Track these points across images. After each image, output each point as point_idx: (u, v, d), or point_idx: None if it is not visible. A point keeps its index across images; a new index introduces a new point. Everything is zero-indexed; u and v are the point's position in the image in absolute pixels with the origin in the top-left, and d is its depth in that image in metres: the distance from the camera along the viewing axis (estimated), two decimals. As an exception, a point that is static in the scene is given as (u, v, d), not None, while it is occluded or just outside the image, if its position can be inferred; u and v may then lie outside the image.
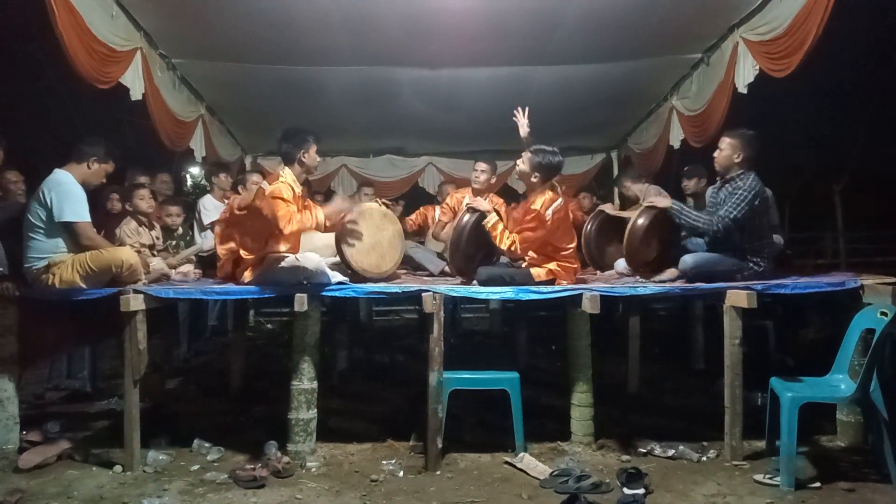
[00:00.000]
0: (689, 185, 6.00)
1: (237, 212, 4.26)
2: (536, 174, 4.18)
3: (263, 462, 3.67)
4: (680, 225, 4.38)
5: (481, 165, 5.79)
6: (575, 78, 6.32)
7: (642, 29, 5.25)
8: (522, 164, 4.23)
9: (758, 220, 4.24)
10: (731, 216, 4.10)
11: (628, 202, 6.77)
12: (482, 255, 4.50)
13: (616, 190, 9.47)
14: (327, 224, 4.15)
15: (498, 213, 4.34)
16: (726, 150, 4.26)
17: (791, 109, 11.22)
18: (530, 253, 4.24)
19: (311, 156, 4.20)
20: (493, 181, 5.97)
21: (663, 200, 4.53)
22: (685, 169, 6.12)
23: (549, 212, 4.08)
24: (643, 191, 5.53)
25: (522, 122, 4.57)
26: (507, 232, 4.20)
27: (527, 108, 4.58)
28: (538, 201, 4.14)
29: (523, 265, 4.27)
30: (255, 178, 6.00)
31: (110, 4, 4.49)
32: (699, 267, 4.18)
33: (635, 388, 5.19)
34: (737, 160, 4.23)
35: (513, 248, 4.14)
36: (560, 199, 4.16)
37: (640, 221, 4.47)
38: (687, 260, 4.22)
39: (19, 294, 3.90)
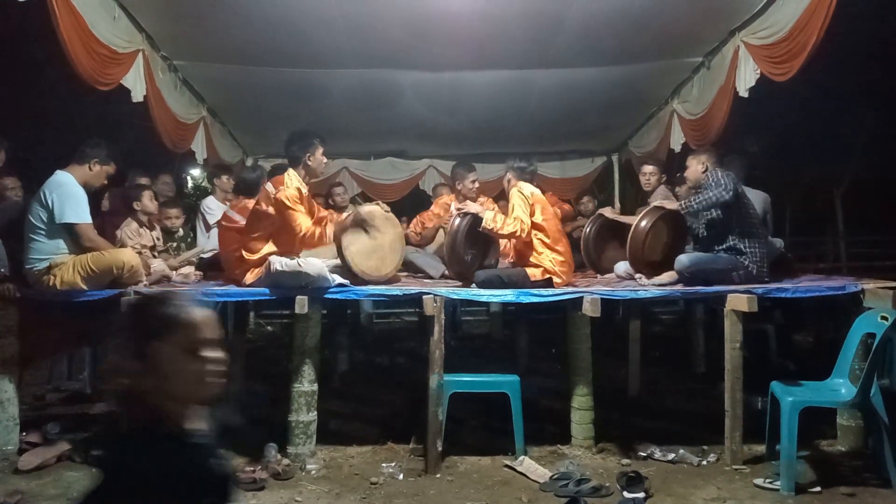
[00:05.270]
0: (681, 191, 5.99)
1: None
2: (510, 174, 4.56)
3: (263, 464, 3.67)
4: (691, 229, 4.45)
5: (472, 175, 5.72)
6: (576, 81, 6.31)
7: (643, 33, 5.25)
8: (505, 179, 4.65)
9: (742, 212, 4.29)
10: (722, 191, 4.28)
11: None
12: (478, 257, 4.53)
13: (616, 193, 9.50)
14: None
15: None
16: (693, 166, 4.57)
17: (792, 113, 11.19)
18: (528, 251, 4.32)
19: (316, 158, 4.24)
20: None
21: (672, 203, 4.58)
22: (677, 175, 6.13)
23: (528, 191, 4.35)
24: (656, 192, 5.53)
25: None
26: (507, 219, 4.27)
27: None
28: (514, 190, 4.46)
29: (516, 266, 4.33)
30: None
31: (112, 6, 4.49)
32: (695, 265, 4.22)
33: (636, 391, 5.18)
34: (702, 171, 4.48)
35: (517, 234, 4.21)
36: (535, 188, 4.48)
37: (644, 223, 4.52)
38: (682, 259, 4.26)
39: (20, 295, 3.90)
